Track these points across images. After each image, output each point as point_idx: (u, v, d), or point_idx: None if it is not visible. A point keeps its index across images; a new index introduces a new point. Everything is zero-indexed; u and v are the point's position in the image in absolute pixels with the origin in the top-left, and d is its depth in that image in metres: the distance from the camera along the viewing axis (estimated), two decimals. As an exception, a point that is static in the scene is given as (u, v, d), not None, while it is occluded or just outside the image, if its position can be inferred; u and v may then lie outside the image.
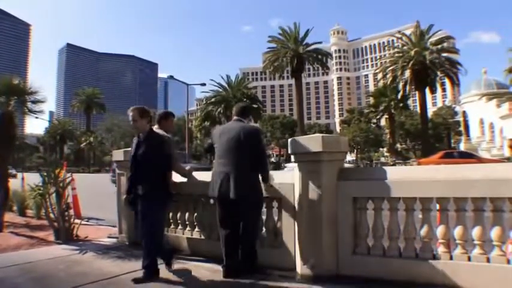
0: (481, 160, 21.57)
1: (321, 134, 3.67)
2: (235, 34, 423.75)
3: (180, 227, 5.00)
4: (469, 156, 22.74)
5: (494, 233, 3.02)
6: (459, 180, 3.17)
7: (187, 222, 4.91)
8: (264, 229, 4.22)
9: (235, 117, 3.99)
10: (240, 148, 3.69)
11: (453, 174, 3.28)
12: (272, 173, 4.00)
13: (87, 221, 7.27)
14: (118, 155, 5.57)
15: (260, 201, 3.85)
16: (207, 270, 3.94)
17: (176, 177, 4.90)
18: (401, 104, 51.32)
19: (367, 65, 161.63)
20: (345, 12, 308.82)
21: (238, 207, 3.70)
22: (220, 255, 3.88)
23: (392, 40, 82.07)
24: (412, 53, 37.70)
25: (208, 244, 4.57)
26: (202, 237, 4.71)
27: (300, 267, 3.73)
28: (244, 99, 52.85)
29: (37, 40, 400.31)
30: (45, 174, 5.86)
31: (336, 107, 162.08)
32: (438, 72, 38.10)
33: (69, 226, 5.70)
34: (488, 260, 3.02)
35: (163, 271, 3.81)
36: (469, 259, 3.09)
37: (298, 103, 47.87)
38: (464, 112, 56.52)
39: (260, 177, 3.80)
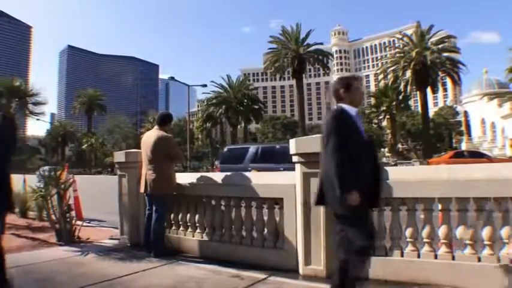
0: (491, 160, 20.84)
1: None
2: (235, 35, 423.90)
3: (181, 228, 5.01)
4: (480, 156, 21.96)
5: (504, 232, 3.01)
6: (461, 181, 3.16)
7: (188, 224, 4.91)
8: (265, 230, 4.22)
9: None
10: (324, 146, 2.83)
11: (455, 174, 3.27)
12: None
13: (88, 223, 7.26)
14: (119, 156, 5.58)
15: (349, 211, 2.64)
16: (209, 271, 3.93)
17: (179, 179, 4.91)
18: (402, 105, 51.27)
19: (368, 66, 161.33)
20: (345, 13, 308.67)
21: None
22: (220, 256, 3.86)
23: (393, 40, 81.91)
24: (413, 53, 37.67)
25: (210, 245, 4.58)
26: (205, 238, 4.71)
27: (301, 268, 3.73)
28: (245, 100, 52.92)
29: (38, 42, 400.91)
30: (46, 176, 5.86)
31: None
32: (439, 72, 38.09)
33: (71, 228, 5.69)
34: (499, 260, 3.00)
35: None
36: (470, 259, 3.08)
37: (299, 104, 47.86)
38: (465, 112, 56.45)
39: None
